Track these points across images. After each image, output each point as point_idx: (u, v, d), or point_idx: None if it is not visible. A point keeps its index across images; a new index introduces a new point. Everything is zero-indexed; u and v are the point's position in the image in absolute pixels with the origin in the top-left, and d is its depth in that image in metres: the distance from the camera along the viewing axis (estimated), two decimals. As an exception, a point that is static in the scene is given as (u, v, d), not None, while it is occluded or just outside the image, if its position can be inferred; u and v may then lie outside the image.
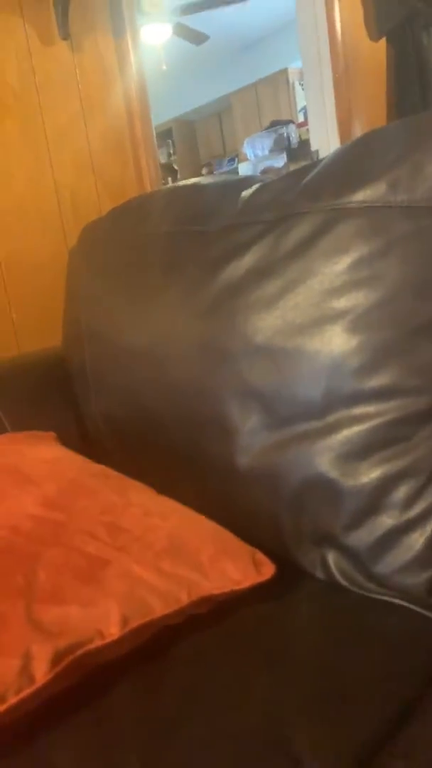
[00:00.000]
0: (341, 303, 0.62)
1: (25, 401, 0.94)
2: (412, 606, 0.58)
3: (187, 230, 0.81)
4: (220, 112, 6.03)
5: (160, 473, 0.76)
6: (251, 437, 0.67)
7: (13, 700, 0.41)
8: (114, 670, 0.49)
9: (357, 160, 0.68)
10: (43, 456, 0.68)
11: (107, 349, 0.87)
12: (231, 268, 0.72)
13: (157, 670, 0.50)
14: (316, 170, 0.70)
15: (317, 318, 0.63)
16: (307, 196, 0.69)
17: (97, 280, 0.94)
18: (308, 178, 0.70)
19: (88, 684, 0.47)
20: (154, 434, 0.79)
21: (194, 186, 0.91)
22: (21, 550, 0.48)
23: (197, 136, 6.38)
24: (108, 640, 0.46)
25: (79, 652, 0.44)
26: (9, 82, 1.23)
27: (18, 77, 1.24)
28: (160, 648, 0.51)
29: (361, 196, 0.63)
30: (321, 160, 0.72)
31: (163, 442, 0.79)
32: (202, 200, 0.85)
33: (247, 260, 0.71)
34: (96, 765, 0.42)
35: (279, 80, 5.23)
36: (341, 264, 0.63)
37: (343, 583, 0.61)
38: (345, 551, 0.62)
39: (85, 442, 0.94)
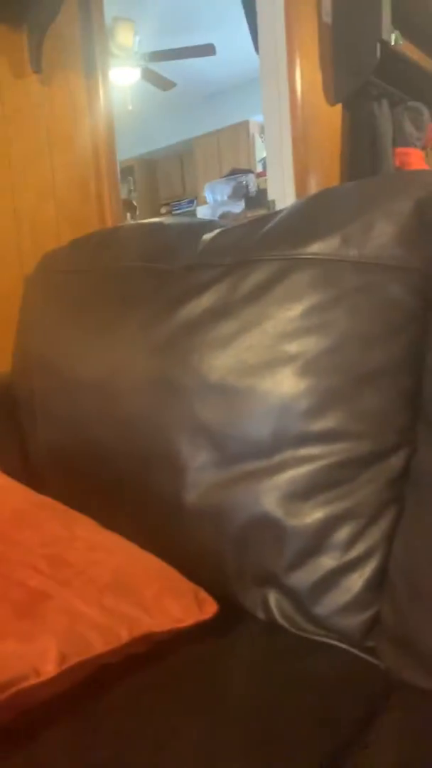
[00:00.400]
0: (293, 347, 0.65)
1: (-33, 426, 0.91)
2: (348, 648, 0.59)
3: (148, 267, 0.83)
4: (182, 154, 6.21)
5: (103, 508, 0.75)
6: (199, 474, 0.68)
7: None
8: (49, 709, 0.47)
9: (313, 214, 0.72)
10: (-15, 484, 0.66)
11: (57, 379, 0.86)
12: (189, 307, 0.73)
13: (93, 711, 0.48)
14: (275, 220, 0.74)
15: (269, 360, 0.66)
16: (265, 244, 0.72)
17: (52, 309, 0.94)
18: (267, 227, 0.74)
19: (20, 724, 0.45)
20: (100, 467, 0.79)
21: (157, 224, 0.93)
22: (-43, 581, 0.47)
23: (158, 175, 6.52)
24: (43, 677, 0.44)
25: (12, 690, 0.43)
26: (-23, 111, 1.24)
27: (-14, 104, 1.25)
28: (97, 688, 0.50)
29: (316, 248, 0.67)
30: (280, 211, 0.76)
31: (108, 476, 0.78)
32: (165, 239, 0.87)
33: (205, 300, 0.73)
34: None
35: (240, 130, 5.46)
36: (294, 310, 0.66)
37: (283, 623, 0.62)
38: (286, 592, 0.62)
39: (26, 472, 0.92)
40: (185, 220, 0.95)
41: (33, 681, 0.44)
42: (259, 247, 0.72)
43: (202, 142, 5.80)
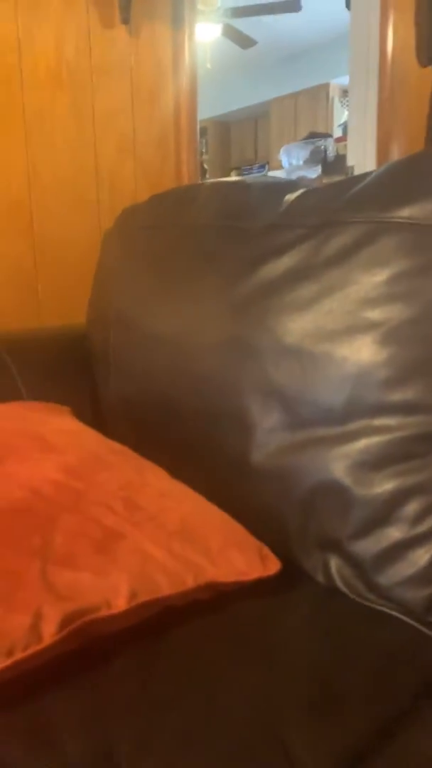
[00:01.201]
0: (375, 314, 0.63)
1: (43, 373, 0.94)
2: (409, 620, 0.58)
3: (229, 225, 0.82)
4: (257, 117, 6.05)
5: (171, 461, 0.76)
6: (269, 435, 0.68)
7: (19, 655, 0.41)
8: (115, 641, 0.49)
9: (405, 178, 0.68)
10: (64, 427, 0.68)
11: (133, 333, 0.88)
12: (269, 268, 0.72)
13: (156, 648, 0.50)
14: (363, 183, 0.71)
15: (349, 326, 0.64)
16: (352, 206, 0.69)
17: (131, 264, 0.95)
18: (354, 189, 0.71)
19: (90, 651, 0.48)
20: (170, 422, 0.80)
21: (238, 183, 0.92)
22: (40, 513, 0.49)
23: (231, 138, 6.40)
24: (114, 611, 0.46)
25: (87, 618, 0.45)
26: (66, 58, 1.24)
27: (75, 54, 1.25)
28: (160, 627, 0.51)
29: (407, 212, 0.64)
30: (367, 174, 0.73)
31: (177, 431, 0.79)
32: (246, 198, 0.86)
33: (286, 261, 0.71)
34: (91, 730, 0.42)
35: (320, 93, 5.26)
36: (380, 276, 0.64)
37: (344, 589, 0.62)
38: (349, 559, 0.62)
39: (98, 421, 0.95)
40: (268, 179, 0.93)
41: (105, 613, 0.46)
42: (345, 209, 0.70)
43: (278, 104, 5.63)
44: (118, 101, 1.35)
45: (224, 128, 6.38)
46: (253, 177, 5.57)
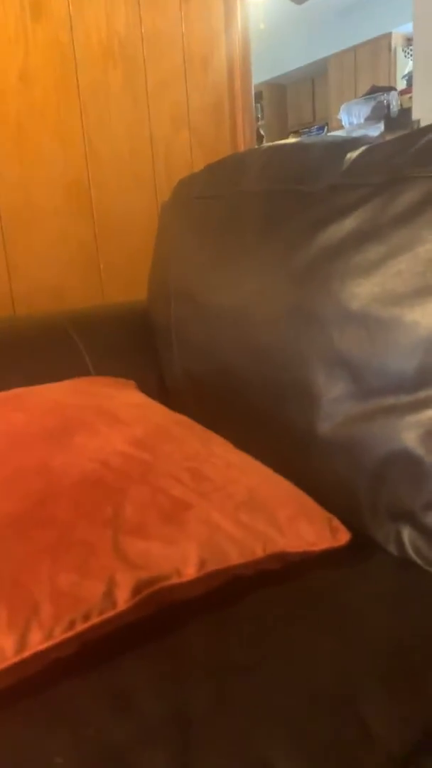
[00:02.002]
0: (448, 274, 0.59)
1: (109, 349, 0.96)
2: None
3: (287, 189, 0.79)
4: (313, 76, 5.82)
5: (236, 432, 0.76)
6: (335, 405, 0.66)
7: (95, 620, 0.43)
8: (186, 609, 0.50)
9: None
10: (130, 400, 0.70)
11: (193, 306, 0.87)
12: (331, 231, 0.69)
13: (227, 615, 0.51)
14: (429, 135, 0.67)
15: (420, 288, 0.61)
16: (420, 160, 0.65)
17: (189, 236, 0.94)
18: (422, 142, 0.67)
19: (161, 619, 0.49)
20: (234, 393, 0.80)
21: (296, 145, 0.88)
22: (110, 484, 0.50)
23: (288, 100, 6.19)
24: (184, 579, 0.47)
25: (158, 585, 0.46)
26: (117, 30, 1.23)
27: (125, 26, 1.24)
28: (230, 596, 0.52)
29: None
30: (436, 124, 0.68)
31: (241, 403, 0.79)
32: (305, 159, 0.82)
33: (350, 223, 0.68)
34: (167, 693, 0.43)
35: (381, 45, 4.97)
36: (453, 233, 0.60)
37: (417, 560, 0.60)
38: (423, 529, 0.60)
39: (162, 395, 0.96)
40: (327, 138, 0.89)
41: (175, 581, 0.47)
42: (412, 164, 0.66)
43: (336, 60, 5.38)
44: (171, 71, 1.33)
45: (280, 91, 6.18)
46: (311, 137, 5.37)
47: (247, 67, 1.47)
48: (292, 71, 5.82)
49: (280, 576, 0.54)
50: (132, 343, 1.00)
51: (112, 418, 0.61)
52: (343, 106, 3.59)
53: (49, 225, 1.21)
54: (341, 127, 3.90)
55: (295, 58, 5.67)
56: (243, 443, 0.73)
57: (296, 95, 6.10)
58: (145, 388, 0.88)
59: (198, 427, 0.67)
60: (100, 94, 1.24)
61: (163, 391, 0.96)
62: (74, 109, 1.21)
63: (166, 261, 0.98)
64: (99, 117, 1.24)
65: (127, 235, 1.29)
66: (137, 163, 1.30)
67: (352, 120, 3.35)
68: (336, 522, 0.57)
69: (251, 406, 0.77)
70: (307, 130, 5.87)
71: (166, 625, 0.49)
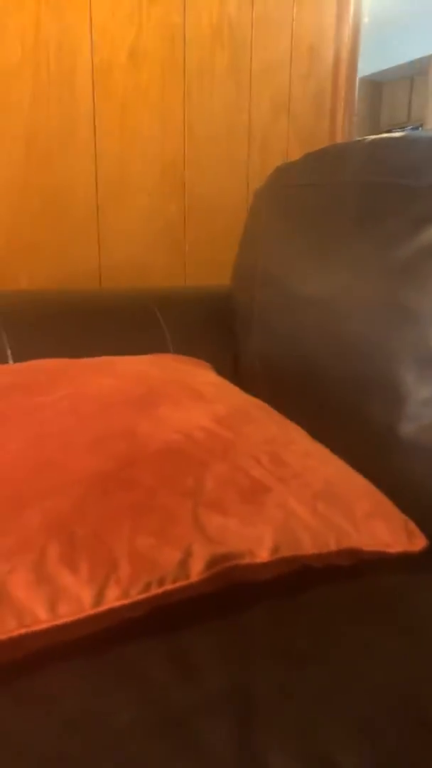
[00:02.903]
0: None
1: (189, 330, 0.97)
2: None
3: (392, 183, 0.77)
4: (413, 75, 5.62)
5: (310, 424, 0.75)
6: (423, 408, 0.64)
7: (168, 586, 0.43)
8: (251, 592, 0.50)
9: None
10: (210, 380, 0.70)
11: (279, 293, 0.87)
12: (436, 228, 0.67)
13: (293, 605, 0.50)
14: None
15: None
16: None
17: (282, 223, 0.93)
18: None
19: (228, 597, 0.49)
20: (312, 384, 0.79)
21: (404, 138, 0.85)
22: (193, 456, 0.51)
23: (383, 99, 6.02)
24: (257, 561, 0.47)
25: (231, 563, 0.46)
26: (228, 12, 1.23)
27: (237, 8, 1.23)
28: (298, 586, 0.51)
29: None
30: None
31: (319, 395, 0.78)
32: (412, 153, 0.80)
33: (457, 222, 0.66)
34: (231, 669, 0.43)
35: None
36: None
37: None
38: None
39: (236, 380, 0.96)
40: (438, 133, 0.85)
41: (248, 561, 0.47)
42: None
43: (439, 60, 5.17)
44: (277, 56, 1.31)
45: (375, 88, 6.01)
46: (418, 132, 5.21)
47: (355, 58, 1.43)
48: (390, 69, 5.64)
49: (349, 573, 0.53)
50: (212, 327, 1.01)
51: (195, 393, 0.61)
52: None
53: (140, 202, 1.23)
54: (437, 129, 3.75)
55: (395, 55, 5.49)
56: (317, 436, 0.71)
57: (392, 93, 5.91)
58: (220, 372, 0.88)
59: (276, 413, 0.66)
60: (204, 77, 1.24)
61: (237, 376, 0.96)
62: (178, 89, 1.22)
63: (255, 245, 0.97)
64: (201, 99, 1.25)
65: (214, 218, 1.29)
66: (233, 147, 1.30)
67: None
68: (412, 525, 0.55)
69: (329, 399, 0.76)
70: (400, 130, 5.69)
71: (232, 605, 0.49)
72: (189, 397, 0.60)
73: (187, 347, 0.93)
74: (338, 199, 0.84)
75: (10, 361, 0.84)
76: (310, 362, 0.79)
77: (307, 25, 1.33)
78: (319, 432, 0.74)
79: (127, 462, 0.48)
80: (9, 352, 0.83)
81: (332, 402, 0.76)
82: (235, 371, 0.97)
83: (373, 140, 0.95)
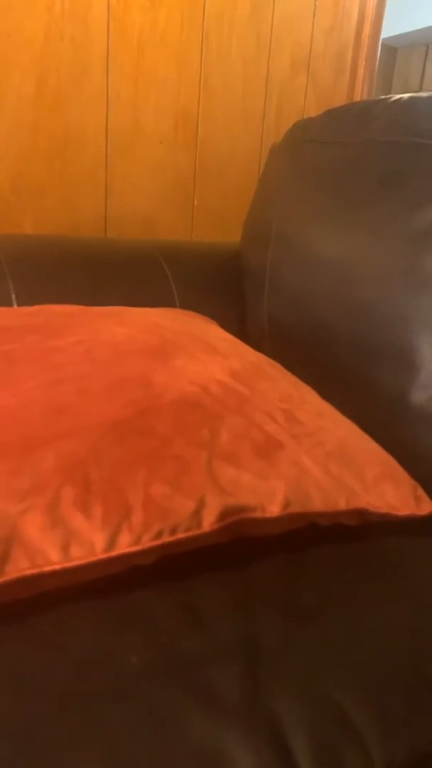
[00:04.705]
0: None
1: (196, 285, 0.95)
2: None
3: (417, 143, 0.75)
4: (428, 42, 5.45)
5: (319, 387, 0.75)
6: (435, 375, 0.64)
7: (180, 535, 0.43)
8: (259, 546, 0.50)
9: None
10: (222, 335, 0.69)
11: (294, 252, 0.85)
12: (464, 192, 0.65)
13: (300, 561, 0.50)
14: None
15: None
16: None
17: (299, 181, 0.90)
18: None
19: (236, 550, 0.49)
20: (322, 347, 0.78)
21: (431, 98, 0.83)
22: (208, 409, 0.50)
23: (396, 65, 5.85)
24: (268, 515, 0.47)
25: (243, 515, 0.46)
26: None
27: None
28: (305, 542, 0.52)
29: None
30: None
31: (329, 359, 0.77)
32: (442, 115, 0.77)
33: None
34: (238, 619, 0.44)
35: None
36: None
37: None
38: None
39: (242, 339, 0.94)
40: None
41: (258, 515, 0.47)
42: None
43: (458, 28, 5.01)
44: (300, 8, 1.26)
45: (389, 53, 5.83)
46: None
47: (380, 16, 1.38)
48: (406, 33, 5.47)
49: (356, 534, 0.53)
50: (219, 283, 0.99)
51: (209, 347, 0.60)
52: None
53: (151, 153, 1.19)
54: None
55: (412, 19, 5.32)
56: (325, 399, 0.71)
57: (406, 60, 5.75)
58: (225, 330, 0.87)
59: (287, 372, 0.65)
60: (224, 24, 1.19)
61: (243, 335, 0.95)
62: (196, 36, 1.17)
63: (270, 203, 0.95)
64: (219, 48, 1.20)
65: (225, 174, 1.26)
66: (249, 101, 1.25)
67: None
68: (421, 491, 0.56)
69: (339, 363, 0.75)
70: (410, 99, 5.55)
71: (240, 558, 0.49)
72: (203, 350, 0.59)
73: (193, 302, 0.91)
74: (360, 159, 0.81)
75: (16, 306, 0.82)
76: (322, 326, 0.78)
77: (333, -25, 1.28)
78: (327, 397, 0.74)
79: (143, 410, 0.48)
80: (14, 296, 0.81)
81: (342, 367, 0.75)
82: (241, 331, 0.96)
83: (399, 99, 0.92)
